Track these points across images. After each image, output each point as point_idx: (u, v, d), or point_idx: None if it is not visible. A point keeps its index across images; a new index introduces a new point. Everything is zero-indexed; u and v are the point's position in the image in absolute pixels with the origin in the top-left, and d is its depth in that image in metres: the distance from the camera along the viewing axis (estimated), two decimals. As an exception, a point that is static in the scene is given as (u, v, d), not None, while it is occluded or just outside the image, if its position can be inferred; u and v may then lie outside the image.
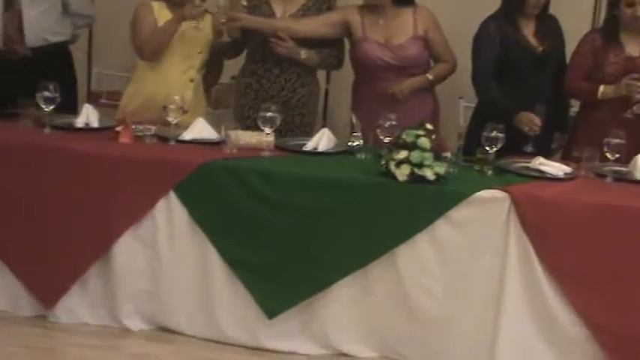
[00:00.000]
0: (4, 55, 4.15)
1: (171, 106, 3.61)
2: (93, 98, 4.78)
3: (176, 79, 3.97)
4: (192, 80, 4.01)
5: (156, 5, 3.98)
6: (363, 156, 3.55)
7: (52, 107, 3.58)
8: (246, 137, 3.57)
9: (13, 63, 4.14)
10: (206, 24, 3.96)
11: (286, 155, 3.55)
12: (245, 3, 3.89)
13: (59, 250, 3.45)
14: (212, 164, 3.37)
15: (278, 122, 3.52)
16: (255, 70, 4.04)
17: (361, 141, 3.62)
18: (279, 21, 3.96)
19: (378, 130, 3.48)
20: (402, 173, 3.22)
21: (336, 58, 4.09)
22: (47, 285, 3.47)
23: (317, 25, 3.97)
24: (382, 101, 3.88)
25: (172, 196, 3.36)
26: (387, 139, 3.43)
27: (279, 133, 3.59)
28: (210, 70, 4.13)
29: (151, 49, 3.95)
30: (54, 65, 4.19)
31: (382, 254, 3.26)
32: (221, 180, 3.34)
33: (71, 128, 3.68)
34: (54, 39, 4.28)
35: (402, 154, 3.23)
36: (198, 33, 3.93)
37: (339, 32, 4.00)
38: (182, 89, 3.87)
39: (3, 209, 3.48)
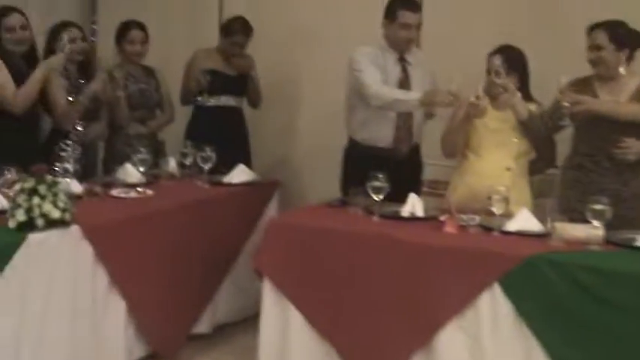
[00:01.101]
0: (387, 153, 4.39)
1: (496, 197, 3.61)
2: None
3: (492, 168, 3.99)
4: (508, 169, 4.00)
5: None
6: None
7: (381, 196, 3.74)
8: (573, 230, 3.46)
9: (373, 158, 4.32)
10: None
11: (618, 250, 3.38)
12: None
13: (383, 335, 3.52)
14: (538, 257, 3.28)
15: (608, 216, 3.38)
16: (582, 162, 3.94)
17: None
18: (626, 106, 3.84)
19: None
20: None
21: None
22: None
23: None
24: None
25: (497, 288, 3.32)
26: None
27: (608, 226, 3.44)
28: (541, 158, 4.10)
29: (448, 148, 4.13)
30: (410, 159, 4.48)
31: None
32: (547, 274, 3.24)
33: (398, 217, 3.81)
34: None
35: None
36: (509, 120, 3.93)
37: None
38: (499, 178, 3.87)
39: (332, 291, 3.65)
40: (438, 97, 4.06)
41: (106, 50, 5.38)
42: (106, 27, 5.83)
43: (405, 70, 4.41)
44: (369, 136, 4.43)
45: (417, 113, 4.43)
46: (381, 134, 4.41)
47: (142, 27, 4.97)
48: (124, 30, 4.96)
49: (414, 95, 4.22)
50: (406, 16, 4.29)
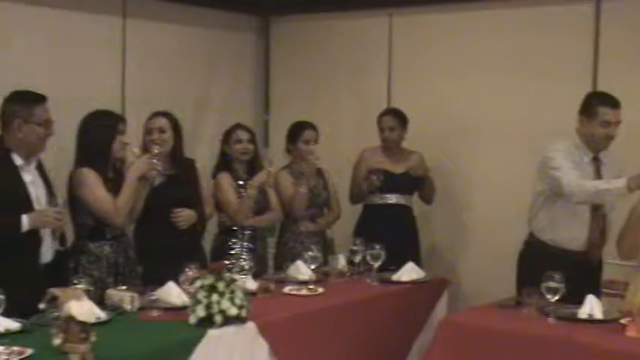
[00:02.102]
0: (577, 256, 4.26)
1: (682, 300, 3.43)
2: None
3: None
4: None
5: None
6: None
7: (555, 297, 3.62)
8: None
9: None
10: None
11: None
12: None
13: None
14: None
15: None
16: None
17: None
18: None
19: None
20: None
21: None
22: None
23: None
24: None
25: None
26: None
27: None
28: None
29: (625, 249, 3.96)
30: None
31: None
32: None
33: (574, 319, 3.67)
34: None
35: None
36: None
37: None
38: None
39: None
40: None
41: (276, 148, 5.59)
42: (277, 125, 6.12)
43: (598, 172, 4.27)
44: (558, 236, 4.31)
45: (611, 214, 4.29)
46: (573, 236, 4.28)
47: (314, 127, 5.13)
48: (298, 130, 5.13)
49: (619, 182, 3.99)
50: (607, 114, 4.19)
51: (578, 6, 5.14)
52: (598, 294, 4.06)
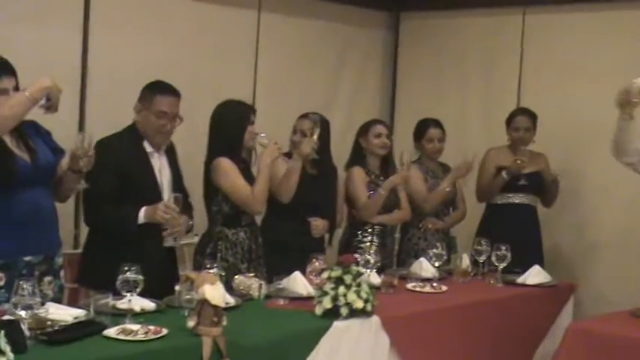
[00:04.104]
0: None
1: None
2: None
3: None
4: None
5: None
6: None
7: None
8: None
9: None
10: None
11: None
12: None
13: None
14: None
15: None
16: None
17: None
18: None
19: None
20: None
21: None
22: None
23: None
24: None
25: None
26: None
27: None
28: None
29: None
30: None
31: None
32: None
33: None
34: None
35: None
36: None
37: None
38: None
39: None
40: None
41: (403, 144, 5.57)
42: (403, 122, 6.11)
43: None
44: None
45: None
46: None
47: (439, 125, 5.09)
48: (422, 128, 5.11)
49: None
50: None
51: None
52: None
